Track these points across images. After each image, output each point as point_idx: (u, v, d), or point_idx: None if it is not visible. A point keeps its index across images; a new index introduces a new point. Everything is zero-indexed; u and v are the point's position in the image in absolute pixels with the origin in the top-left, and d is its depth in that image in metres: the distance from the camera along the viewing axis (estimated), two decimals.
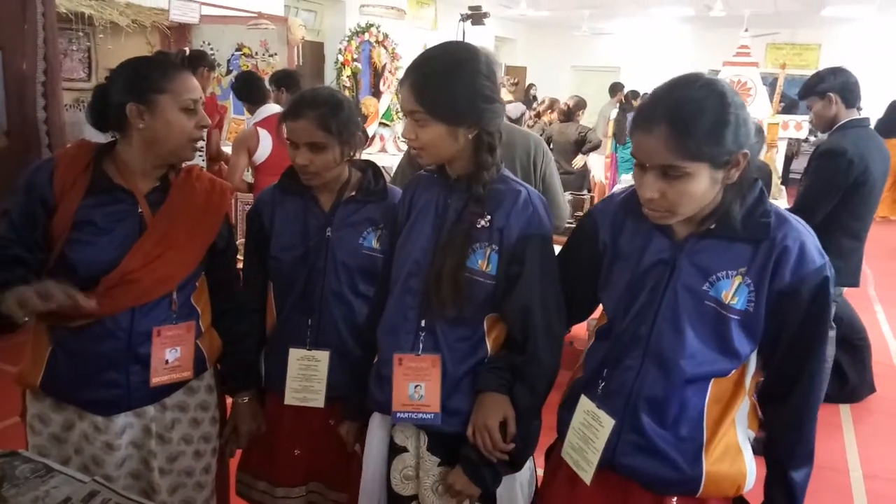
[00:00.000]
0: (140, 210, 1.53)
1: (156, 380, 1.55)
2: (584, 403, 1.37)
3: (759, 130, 1.24)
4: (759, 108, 6.76)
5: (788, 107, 8.20)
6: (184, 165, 1.65)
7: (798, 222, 1.25)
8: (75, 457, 1.54)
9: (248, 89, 4.01)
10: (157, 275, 1.52)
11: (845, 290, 3.19)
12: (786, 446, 1.31)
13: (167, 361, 1.56)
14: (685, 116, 1.16)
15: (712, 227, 1.24)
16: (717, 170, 1.18)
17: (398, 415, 1.49)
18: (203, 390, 1.70)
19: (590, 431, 1.34)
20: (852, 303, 3.69)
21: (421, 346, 1.48)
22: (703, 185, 1.18)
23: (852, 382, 3.63)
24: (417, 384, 1.47)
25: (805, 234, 1.23)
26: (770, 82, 7.76)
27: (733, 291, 1.23)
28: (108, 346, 1.50)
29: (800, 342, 1.25)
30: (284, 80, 4.22)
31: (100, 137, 1.62)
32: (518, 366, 1.44)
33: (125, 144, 1.54)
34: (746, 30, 7.22)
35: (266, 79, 4.32)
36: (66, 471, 1.33)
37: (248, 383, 1.76)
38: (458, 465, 1.46)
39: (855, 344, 3.60)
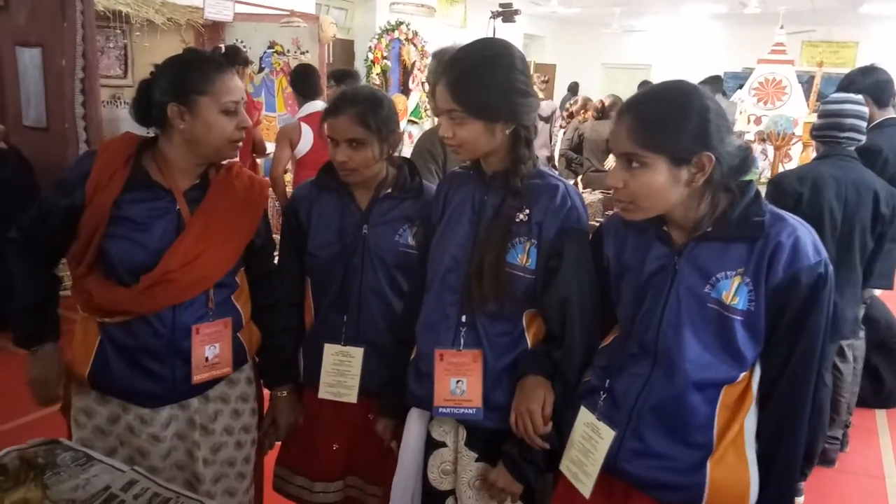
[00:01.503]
0: (178, 207, 1.55)
1: (197, 377, 1.57)
2: (584, 415, 1.36)
3: (744, 148, 1.25)
4: (794, 107, 6.64)
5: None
6: (224, 162, 1.66)
7: (795, 220, 1.25)
8: (121, 449, 1.57)
9: (303, 82, 4.06)
10: (195, 275, 1.53)
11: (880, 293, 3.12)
12: (768, 454, 1.26)
13: (207, 359, 1.58)
14: (647, 107, 1.23)
15: (709, 229, 1.25)
16: (677, 167, 1.20)
17: (440, 409, 1.50)
18: (243, 382, 1.72)
19: (589, 444, 1.34)
20: (890, 306, 3.61)
21: (462, 341, 1.49)
22: (661, 179, 1.20)
23: (888, 387, 3.55)
24: (459, 379, 1.49)
25: (801, 230, 1.22)
26: (806, 80, 7.61)
27: (733, 291, 1.23)
28: (153, 341, 1.52)
29: (785, 340, 1.23)
30: (343, 76, 4.31)
31: (141, 131, 1.64)
32: (557, 360, 1.45)
33: (166, 141, 1.55)
34: (782, 27, 7.09)
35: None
36: (105, 459, 1.36)
37: (286, 377, 1.78)
38: (499, 463, 1.46)
39: (892, 347, 3.52)
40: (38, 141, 4.33)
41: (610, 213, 4.33)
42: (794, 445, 1.26)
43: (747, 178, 1.28)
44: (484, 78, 1.39)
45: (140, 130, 1.63)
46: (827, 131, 2.63)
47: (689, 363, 1.24)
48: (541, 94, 7.35)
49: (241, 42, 5.60)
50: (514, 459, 1.44)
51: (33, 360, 1.58)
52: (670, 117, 1.20)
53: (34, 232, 1.57)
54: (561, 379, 1.44)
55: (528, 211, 1.44)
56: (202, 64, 1.52)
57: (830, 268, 1.21)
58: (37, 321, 1.59)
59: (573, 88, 11.08)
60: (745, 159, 1.25)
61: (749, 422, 1.27)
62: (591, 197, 4.50)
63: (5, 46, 4.46)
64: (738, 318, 1.22)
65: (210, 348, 1.58)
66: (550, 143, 7.91)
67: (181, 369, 1.55)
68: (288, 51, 6.00)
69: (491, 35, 5.80)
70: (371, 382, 1.73)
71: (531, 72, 1.53)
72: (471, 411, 1.49)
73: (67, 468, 1.32)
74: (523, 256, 1.44)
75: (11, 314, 1.59)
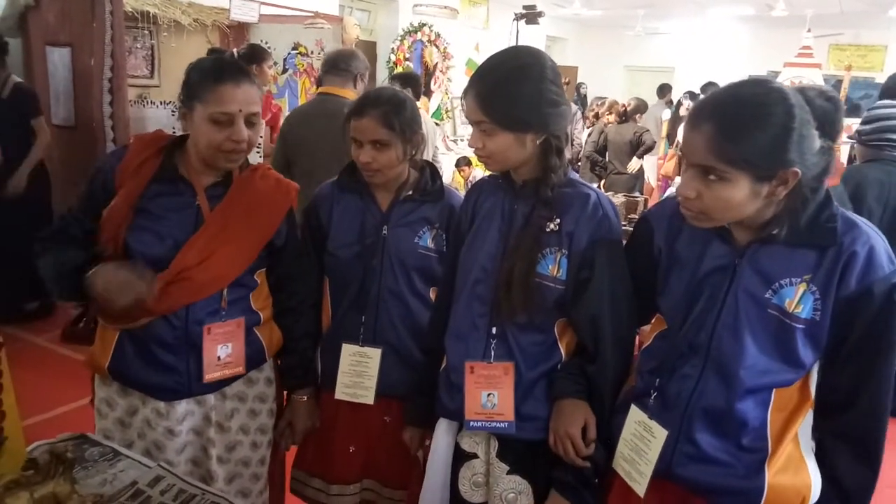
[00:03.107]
0: (198, 202, 1.56)
1: (209, 376, 1.58)
2: (635, 414, 1.34)
3: (827, 150, 1.17)
4: None
5: (851, 109, 7.94)
6: (251, 163, 1.68)
7: (868, 226, 1.19)
8: (138, 441, 1.59)
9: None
10: (210, 274, 1.54)
11: None
12: (845, 466, 1.24)
13: (219, 358, 1.59)
14: (733, 119, 1.13)
15: (775, 232, 1.19)
16: (760, 183, 1.13)
17: (471, 423, 1.49)
18: (262, 382, 1.73)
19: (642, 442, 1.31)
20: None
21: (493, 353, 1.47)
22: (740, 195, 1.14)
23: None
24: (490, 392, 1.46)
25: (875, 239, 1.17)
26: (833, 84, 7.51)
27: (798, 299, 1.18)
28: (168, 334, 1.54)
29: (860, 355, 1.19)
30: (407, 80, 4.37)
31: (167, 131, 1.67)
32: (591, 375, 1.42)
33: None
34: (809, 30, 7.01)
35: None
36: (132, 455, 1.38)
37: (306, 381, 1.79)
38: (553, 491, 1.43)
39: None
40: (67, 139, 4.40)
41: (633, 216, 4.30)
42: (879, 448, 1.24)
43: None
44: (513, 90, 1.37)
45: (169, 130, 1.66)
46: (879, 135, 2.64)
47: (744, 369, 1.21)
48: None
49: (266, 43, 5.63)
50: (571, 486, 1.40)
51: (96, 278, 1.44)
52: (756, 131, 1.11)
53: (68, 232, 1.58)
54: (597, 394, 1.41)
55: (558, 220, 1.42)
56: (206, 72, 1.54)
57: None
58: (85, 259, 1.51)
59: (578, 89, 11.09)
60: (827, 164, 1.17)
61: (806, 425, 1.25)
62: (616, 200, 4.47)
63: (36, 46, 4.53)
64: (801, 326, 1.18)
65: (222, 348, 1.59)
66: (572, 146, 7.88)
67: (195, 363, 1.57)
68: (311, 52, 6.03)
69: (514, 36, 5.81)
70: (388, 385, 1.72)
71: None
72: (503, 425, 1.46)
73: (95, 463, 1.34)
74: (554, 267, 1.42)
75: (48, 282, 1.52)
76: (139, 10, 4.71)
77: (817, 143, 1.15)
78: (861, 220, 1.21)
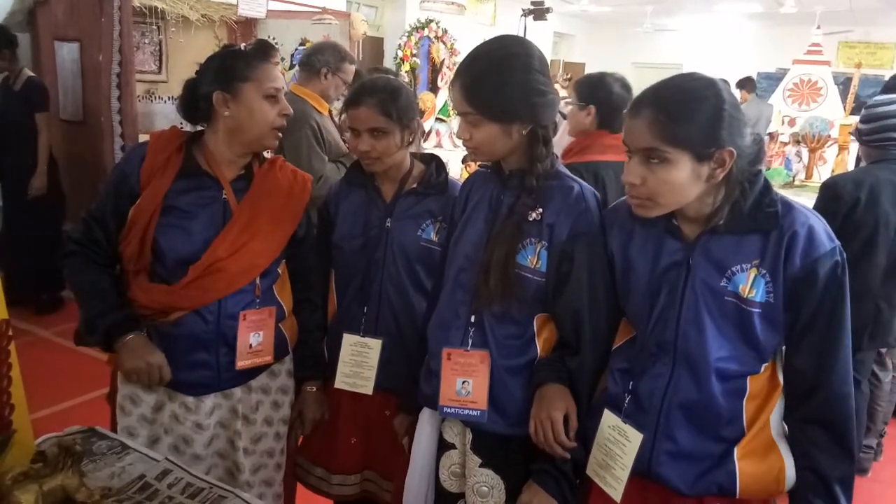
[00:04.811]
0: (225, 196, 1.57)
1: (240, 364, 1.60)
2: (609, 418, 1.34)
3: (757, 140, 1.24)
4: (829, 109, 6.53)
5: (859, 108, 7.90)
6: (268, 156, 1.69)
7: (805, 208, 1.24)
8: (164, 436, 1.60)
9: None
10: (243, 264, 1.56)
11: None
12: (820, 452, 1.24)
13: (251, 346, 1.60)
14: (670, 101, 1.20)
15: (721, 222, 1.23)
16: (700, 163, 1.18)
17: (445, 409, 1.49)
18: (284, 374, 1.75)
19: (616, 447, 1.31)
20: None
21: (470, 341, 1.47)
22: (683, 176, 1.18)
23: None
24: (465, 380, 1.47)
25: (813, 219, 1.21)
26: (842, 82, 7.47)
27: (750, 284, 1.22)
28: (199, 328, 1.55)
29: (814, 334, 1.22)
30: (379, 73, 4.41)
31: (175, 126, 1.68)
32: (572, 370, 1.42)
33: (212, 133, 1.59)
34: (818, 27, 6.97)
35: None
36: (140, 449, 1.39)
37: (317, 372, 1.80)
38: (531, 484, 1.41)
39: None
40: (75, 134, 4.42)
41: None
42: (851, 429, 1.25)
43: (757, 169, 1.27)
44: (499, 80, 1.36)
45: (176, 126, 1.67)
46: (882, 134, 2.56)
47: (711, 359, 1.23)
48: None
49: (273, 39, 5.64)
50: (550, 474, 1.39)
51: (124, 352, 1.51)
52: (694, 111, 1.17)
53: (92, 236, 1.58)
54: (574, 388, 1.41)
55: (540, 210, 1.41)
56: (245, 54, 1.59)
57: (844, 253, 1.21)
58: (118, 318, 1.53)
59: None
60: (759, 151, 1.24)
61: (777, 412, 1.27)
62: None
63: (44, 40, 4.55)
64: (757, 310, 1.22)
65: (254, 335, 1.61)
66: None
67: (226, 357, 1.58)
68: None
69: (521, 32, 5.80)
70: (388, 377, 1.73)
71: (559, 69, 1.50)
72: (475, 413, 1.46)
73: (103, 456, 1.34)
74: (533, 258, 1.42)
75: (87, 322, 1.54)
76: (147, 6, 4.72)
77: (748, 130, 1.21)
78: (798, 204, 1.25)
